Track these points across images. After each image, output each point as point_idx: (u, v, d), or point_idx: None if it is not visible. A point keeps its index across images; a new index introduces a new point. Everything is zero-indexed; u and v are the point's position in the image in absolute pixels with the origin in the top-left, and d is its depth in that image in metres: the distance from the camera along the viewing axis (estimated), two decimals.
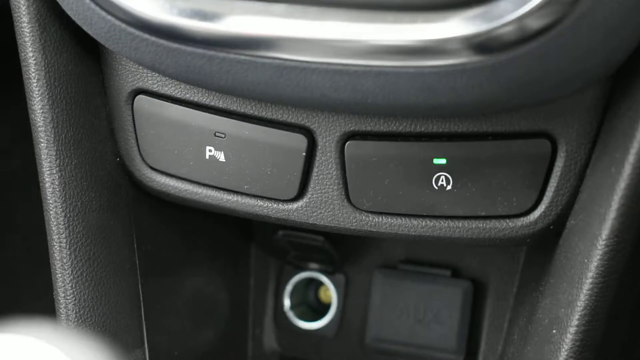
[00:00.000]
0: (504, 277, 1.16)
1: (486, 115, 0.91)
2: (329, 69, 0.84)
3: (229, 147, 0.97)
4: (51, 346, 0.65)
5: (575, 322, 0.88)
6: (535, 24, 0.78)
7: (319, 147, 0.95)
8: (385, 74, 0.82)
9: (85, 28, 0.93)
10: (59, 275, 0.99)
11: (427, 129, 0.93)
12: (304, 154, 0.96)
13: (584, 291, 0.88)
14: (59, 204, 0.98)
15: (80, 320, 0.99)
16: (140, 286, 1.06)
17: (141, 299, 1.06)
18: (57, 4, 0.94)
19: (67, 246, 0.98)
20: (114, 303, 1.02)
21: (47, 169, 0.98)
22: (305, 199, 0.98)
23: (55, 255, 0.99)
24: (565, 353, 0.89)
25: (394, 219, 0.97)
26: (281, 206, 0.99)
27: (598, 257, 0.87)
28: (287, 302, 1.26)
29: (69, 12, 0.93)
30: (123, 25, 0.88)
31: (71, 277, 0.99)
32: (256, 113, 0.96)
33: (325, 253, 1.18)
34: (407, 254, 1.21)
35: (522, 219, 0.94)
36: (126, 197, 1.05)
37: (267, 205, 0.99)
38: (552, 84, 0.83)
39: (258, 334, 1.27)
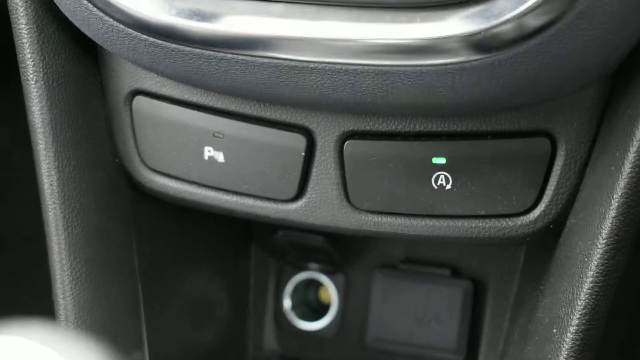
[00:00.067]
0: (504, 277, 1.16)
1: (485, 114, 0.91)
2: (328, 68, 0.83)
3: (227, 147, 0.97)
4: (47, 348, 0.64)
5: (575, 321, 0.88)
6: (534, 22, 0.78)
7: (318, 147, 0.95)
8: (384, 73, 0.82)
9: (83, 29, 0.93)
10: (58, 276, 0.99)
11: (426, 128, 0.93)
12: (303, 153, 0.95)
13: (584, 290, 0.87)
14: (58, 205, 0.98)
15: (79, 322, 0.99)
16: (139, 287, 1.06)
17: (141, 300, 1.06)
18: (55, 5, 0.94)
19: (66, 247, 0.98)
20: (113, 304, 1.02)
21: (46, 170, 0.97)
22: (304, 199, 0.98)
23: (54, 256, 0.99)
24: (566, 352, 0.89)
25: (394, 219, 0.97)
26: (280, 206, 0.99)
27: (598, 256, 0.86)
28: (287, 303, 1.26)
29: (67, 14, 0.93)
30: (121, 26, 0.88)
31: (70, 278, 0.99)
32: (255, 113, 0.96)
33: (325, 253, 1.18)
34: (407, 254, 1.21)
35: (521, 218, 0.94)
36: (125, 198, 1.04)
37: (267, 206, 0.99)
38: (551, 82, 0.83)
39: (258, 335, 1.27)
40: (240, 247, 1.25)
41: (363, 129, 0.94)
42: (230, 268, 1.23)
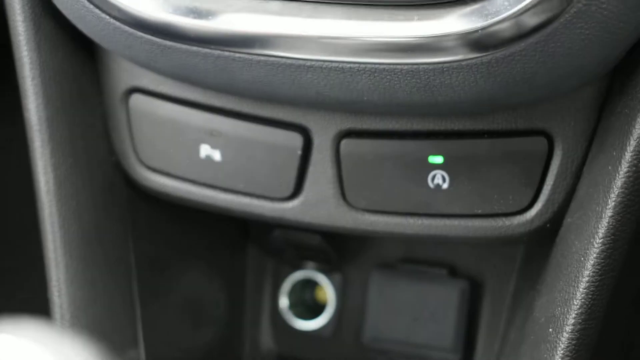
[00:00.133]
0: (501, 276, 1.16)
1: (482, 113, 0.91)
2: (324, 66, 0.83)
3: (224, 145, 0.97)
4: (39, 346, 0.64)
5: (571, 321, 0.88)
6: (531, 20, 0.78)
7: (315, 146, 0.95)
8: (381, 71, 0.82)
9: (79, 26, 0.93)
10: (54, 274, 0.99)
11: (423, 127, 0.93)
12: (299, 152, 0.95)
13: (581, 289, 0.87)
14: (54, 203, 0.98)
15: (74, 320, 0.99)
16: (135, 286, 1.06)
17: (136, 299, 1.06)
18: (52, 2, 0.94)
19: (62, 246, 0.98)
20: (108, 303, 1.02)
21: (42, 167, 0.97)
22: (300, 198, 0.98)
23: (50, 254, 0.99)
24: (562, 352, 0.89)
25: (390, 218, 0.96)
26: (277, 205, 0.99)
27: (595, 255, 0.86)
28: (284, 302, 1.25)
29: (63, 11, 0.93)
30: (117, 24, 0.88)
31: (66, 276, 0.99)
32: (251, 111, 0.96)
33: (322, 252, 1.18)
34: (404, 253, 1.21)
35: (518, 217, 0.94)
36: (121, 196, 1.04)
37: (263, 204, 0.99)
38: (548, 81, 0.83)
39: (255, 334, 1.27)
40: (236, 246, 1.25)
41: (360, 127, 0.94)
42: (226, 267, 1.23)
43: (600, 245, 0.86)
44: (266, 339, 1.27)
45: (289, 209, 0.98)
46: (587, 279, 0.87)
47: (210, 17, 0.85)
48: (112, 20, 0.88)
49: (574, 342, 0.89)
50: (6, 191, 1.41)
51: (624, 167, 0.85)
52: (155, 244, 1.10)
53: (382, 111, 0.92)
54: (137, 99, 0.99)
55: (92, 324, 1.01)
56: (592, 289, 0.87)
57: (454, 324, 1.17)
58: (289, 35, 0.83)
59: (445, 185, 0.93)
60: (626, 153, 0.85)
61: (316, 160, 0.96)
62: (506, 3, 0.78)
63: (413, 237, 0.97)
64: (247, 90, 0.90)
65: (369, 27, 0.81)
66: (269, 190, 0.98)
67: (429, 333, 1.19)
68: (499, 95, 0.84)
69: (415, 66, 0.81)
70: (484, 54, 0.80)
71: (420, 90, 0.83)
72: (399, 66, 0.82)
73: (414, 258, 1.20)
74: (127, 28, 0.88)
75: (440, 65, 0.81)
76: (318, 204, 0.97)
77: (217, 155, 0.97)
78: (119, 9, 0.87)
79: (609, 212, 0.85)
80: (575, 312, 0.88)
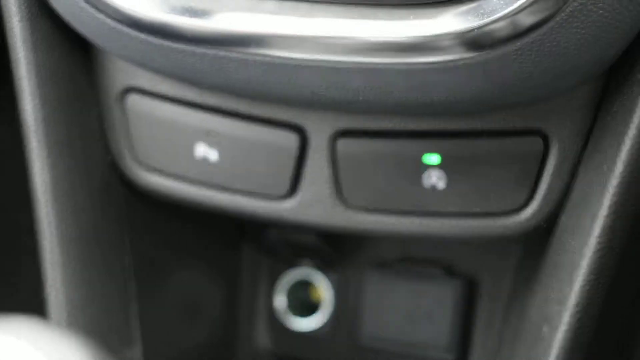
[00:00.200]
0: (497, 276, 1.16)
1: (478, 112, 0.91)
2: (320, 66, 0.83)
3: (220, 145, 0.97)
4: (33, 346, 0.64)
5: (566, 320, 0.88)
6: (526, 20, 0.78)
7: (311, 145, 0.95)
8: (377, 71, 0.82)
9: (75, 26, 0.93)
10: (50, 274, 0.99)
11: (420, 126, 0.93)
12: (295, 152, 0.95)
13: (575, 289, 0.87)
14: (50, 203, 0.98)
15: (71, 320, 0.99)
16: (132, 285, 1.06)
17: (133, 299, 1.06)
18: (48, 3, 0.94)
19: (59, 245, 0.98)
20: (105, 302, 1.02)
21: (38, 168, 0.97)
22: (297, 198, 0.98)
23: (46, 254, 0.98)
24: (556, 351, 0.89)
25: (387, 217, 0.97)
26: (273, 204, 0.99)
27: (589, 254, 0.86)
28: (280, 301, 1.25)
29: (59, 11, 0.93)
30: (113, 23, 0.88)
31: (62, 276, 0.99)
32: (248, 111, 0.96)
33: (319, 251, 1.18)
34: (401, 253, 1.21)
35: (514, 216, 0.94)
36: (118, 196, 1.04)
37: (259, 204, 0.99)
38: (544, 80, 0.83)
39: (250, 333, 1.26)
40: (233, 245, 1.25)
41: (356, 127, 0.94)
42: (223, 266, 1.23)
43: (595, 244, 0.86)
44: (262, 338, 1.27)
45: (286, 209, 0.99)
46: (582, 278, 0.87)
47: (206, 17, 0.85)
48: (108, 20, 0.88)
49: (568, 341, 0.89)
50: (3, 191, 1.41)
51: (619, 167, 0.85)
52: (151, 243, 1.10)
53: (379, 111, 0.92)
54: (133, 99, 0.99)
55: (88, 323, 1.00)
56: (587, 288, 0.87)
57: (450, 323, 1.17)
58: (285, 35, 0.83)
59: (441, 185, 0.93)
60: (622, 153, 0.85)
61: (312, 159, 0.96)
62: (502, 2, 0.78)
63: (409, 236, 0.97)
64: (244, 89, 0.90)
65: (364, 26, 0.81)
66: (265, 190, 0.98)
67: (425, 332, 1.19)
68: (494, 94, 0.84)
69: (411, 66, 0.81)
70: (480, 53, 0.80)
71: (416, 89, 0.83)
72: (394, 66, 0.82)
73: (410, 257, 1.20)
74: (123, 28, 0.88)
75: (436, 65, 0.81)
76: (314, 204, 0.97)
77: (213, 155, 0.97)
78: (114, 9, 0.87)
79: (604, 212, 0.86)
80: (570, 311, 0.88)
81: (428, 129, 0.92)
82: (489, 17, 0.79)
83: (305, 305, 1.27)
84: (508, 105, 0.89)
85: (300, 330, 1.25)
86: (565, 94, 0.89)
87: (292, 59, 0.84)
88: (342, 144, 0.94)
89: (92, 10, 0.89)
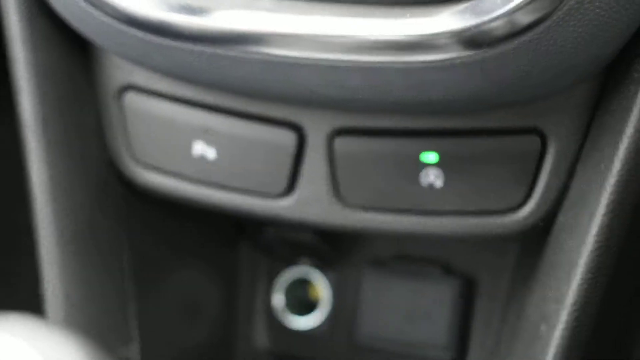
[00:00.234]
0: (495, 274, 1.16)
1: (476, 111, 0.91)
2: (317, 64, 0.83)
3: (218, 143, 0.97)
4: (27, 345, 0.64)
5: (564, 319, 0.88)
6: (524, 18, 0.78)
7: (308, 143, 0.95)
8: (374, 69, 0.82)
9: (73, 25, 0.93)
10: (47, 272, 0.99)
11: (417, 125, 0.93)
12: (293, 150, 0.95)
13: (573, 288, 0.87)
14: (48, 201, 0.98)
15: (68, 319, 0.99)
16: (129, 284, 1.06)
17: (131, 297, 1.06)
18: (46, 1, 0.94)
19: (56, 244, 0.98)
20: (103, 301, 1.02)
21: (36, 166, 0.97)
22: (294, 196, 0.98)
23: (44, 252, 0.98)
24: (554, 350, 0.89)
25: (384, 215, 0.96)
26: (270, 203, 0.99)
27: (587, 253, 0.86)
28: (277, 299, 1.25)
29: (58, 9, 0.93)
30: (111, 21, 0.88)
31: (60, 275, 0.99)
32: (245, 109, 0.96)
33: (316, 250, 1.18)
34: (398, 251, 1.21)
35: (511, 215, 0.94)
36: (115, 195, 1.04)
37: (256, 202, 0.99)
38: (542, 79, 0.83)
39: (248, 331, 1.26)
40: (230, 243, 1.24)
41: (354, 125, 0.94)
42: (220, 264, 1.23)
43: (592, 243, 0.86)
44: (260, 337, 1.27)
45: (283, 207, 0.98)
46: (579, 277, 0.87)
47: (203, 15, 0.85)
48: (105, 18, 0.88)
49: (566, 340, 0.89)
50: (1, 190, 1.41)
51: (616, 166, 0.85)
52: (149, 242, 1.10)
53: (376, 109, 0.92)
54: (131, 97, 0.99)
55: (86, 322, 1.00)
56: (584, 287, 0.87)
57: (448, 321, 1.17)
58: (282, 33, 0.83)
59: (438, 183, 0.93)
60: (619, 151, 0.85)
61: (310, 157, 0.96)
62: (499, 1, 0.78)
63: (407, 234, 0.97)
64: (241, 87, 0.90)
65: (361, 25, 0.81)
66: (263, 188, 0.98)
67: (423, 331, 1.18)
68: (492, 93, 0.84)
69: (408, 64, 0.81)
70: (477, 52, 0.80)
71: (413, 88, 0.83)
72: (392, 64, 0.81)
73: (408, 256, 1.20)
74: (120, 26, 0.88)
75: (433, 64, 0.81)
76: (312, 202, 0.97)
77: (211, 153, 0.97)
78: (112, 7, 0.87)
79: (601, 211, 0.85)
80: (568, 310, 0.88)
81: (426, 128, 0.92)
82: (486, 15, 0.79)
83: (303, 303, 1.27)
84: (505, 103, 0.89)
85: (298, 329, 1.25)
86: (563, 92, 0.89)
87: (289, 57, 0.84)
88: (340, 143, 0.94)
89: (90, 9, 0.89)
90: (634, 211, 0.87)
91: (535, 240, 0.99)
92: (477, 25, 0.79)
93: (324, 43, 0.83)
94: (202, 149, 0.97)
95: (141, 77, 0.98)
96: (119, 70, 0.98)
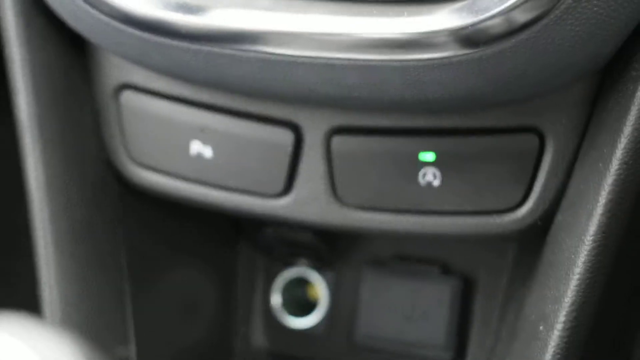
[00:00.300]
0: (494, 274, 1.16)
1: (473, 110, 0.91)
2: (314, 62, 0.83)
3: (215, 142, 0.97)
4: (23, 344, 0.64)
5: (562, 319, 0.88)
6: (521, 17, 0.78)
7: (306, 143, 0.95)
8: (371, 67, 0.82)
9: (70, 23, 0.93)
10: (44, 271, 0.98)
11: (415, 124, 0.92)
12: (290, 149, 0.95)
13: (571, 287, 0.87)
14: (44, 199, 0.97)
15: (65, 317, 0.99)
16: (126, 283, 1.05)
17: (127, 296, 1.05)
18: None
19: (52, 242, 0.98)
20: (99, 300, 1.01)
21: (32, 164, 0.97)
22: (291, 195, 0.97)
23: (40, 251, 0.98)
24: (552, 349, 0.88)
25: (382, 215, 0.96)
26: (268, 202, 0.98)
27: (585, 252, 0.86)
28: (275, 299, 1.25)
29: (54, 7, 0.93)
30: (107, 20, 0.88)
31: (56, 273, 0.98)
32: (242, 108, 0.96)
33: (314, 249, 1.18)
34: (397, 251, 1.20)
35: (509, 214, 0.94)
36: (112, 193, 1.04)
37: (254, 202, 0.99)
38: (540, 78, 0.83)
39: (246, 331, 1.26)
40: (228, 243, 1.24)
41: (351, 124, 0.94)
42: (218, 264, 1.23)
43: (590, 242, 0.86)
44: (258, 337, 1.26)
45: (280, 206, 0.98)
46: (577, 276, 0.87)
47: (200, 13, 0.85)
48: (102, 17, 0.88)
49: (564, 340, 0.88)
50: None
51: (614, 165, 0.84)
52: (146, 240, 1.10)
53: (373, 108, 0.92)
54: (127, 96, 0.99)
55: (82, 321, 1.00)
56: (582, 286, 0.87)
57: (446, 321, 1.17)
58: (279, 32, 0.83)
59: (436, 183, 0.93)
60: (617, 150, 0.84)
61: (307, 157, 0.95)
62: None
63: (404, 234, 0.97)
64: (238, 86, 0.90)
65: (358, 23, 0.81)
66: (260, 187, 0.98)
67: (422, 330, 1.18)
68: (489, 91, 0.84)
69: (405, 62, 0.81)
70: (475, 50, 0.80)
71: (411, 86, 0.83)
72: (388, 62, 0.81)
73: (406, 255, 1.20)
74: (117, 24, 0.88)
75: (430, 62, 0.81)
76: (309, 201, 0.97)
77: (208, 152, 0.97)
78: (109, 5, 0.87)
79: (599, 210, 0.85)
80: (566, 310, 0.88)
81: (423, 127, 0.92)
82: (484, 14, 0.79)
83: (301, 303, 1.26)
84: (503, 102, 0.89)
85: (296, 329, 1.25)
86: (561, 91, 0.89)
87: (286, 55, 0.84)
88: (337, 141, 0.94)
89: (86, 7, 0.88)
90: (632, 210, 0.86)
91: (533, 240, 0.99)
92: (474, 24, 0.79)
93: (321, 41, 0.83)
94: (199, 148, 0.97)
95: (138, 75, 0.98)
96: (116, 69, 0.98)
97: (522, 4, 0.77)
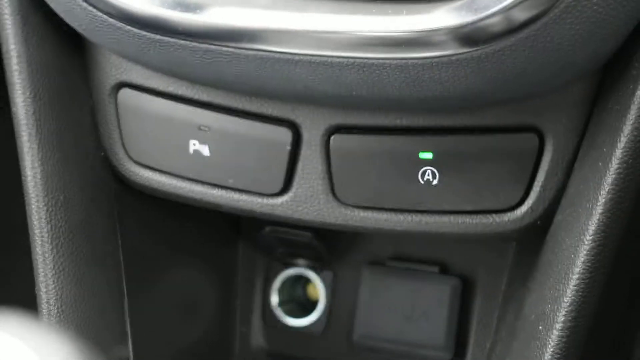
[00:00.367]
0: (493, 274, 1.16)
1: (473, 109, 0.91)
2: (313, 61, 0.83)
3: (213, 141, 0.97)
4: (21, 343, 0.64)
5: (561, 318, 0.87)
6: (521, 15, 0.78)
7: (304, 141, 0.95)
8: (369, 66, 0.82)
9: (67, 20, 0.93)
10: (41, 270, 0.98)
11: (414, 122, 0.92)
12: (288, 147, 0.95)
13: (570, 287, 0.87)
14: (41, 197, 0.97)
15: (62, 316, 0.99)
16: (124, 282, 1.05)
17: (125, 295, 1.05)
18: None
19: (49, 241, 0.98)
20: (96, 299, 1.01)
21: (29, 162, 0.97)
22: (290, 194, 0.97)
23: (37, 250, 0.98)
24: (552, 349, 0.88)
25: (380, 214, 0.96)
26: (266, 201, 0.98)
27: (585, 252, 0.86)
28: (274, 299, 1.25)
29: (51, 4, 0.93)
30: (105, 17, 0.88)
31: (53, 272, 0.98)
32: (241, 106, 0.95)
33: (313, 249, 1.18)
34: (396, 251, 1.20)
35: (509, 214, 0.93)
36: (109, 191, 1.04)
37: (252, 200, 0.99)
38: (539, 76, 0.83)
39: (245, 331, 1.26)
40: (227, 242, 1.24)
41: (350, 123, 0.93)
42: (217, 263, 1.22)
43: (590, 242, 0.86)
44: (257, 337, 1.26)
45: (279, 205, 0.98)
46: (577, 276, 0.87)
47: (198, 11, 0.84)
48: (100, 14, 0.88)
49: (564, 339, 0.88)
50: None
51: (614, 164, 0.84)
52: (144, 239, 1.10)
53: (372, 106, 0.91)
54: (125, 94, 0.98)
55: (80, 320, 1.00)
56: (582, 286, 0.87)
57: (446, 321, 1.17)
58: (277, 30, 0.83)
59: (435, 182, 0.93)
60: (617, 149, 0.84)
61: (306, 155, 0.95)
62: None
63: (403, 233, 0.97)
64: (236, 84, 0.89)
65: (357, 21, 0.81)
66: (258, 186, 0.97)
67: (421, 331, 1.18)
68: (489, 90, 0.83)
69: (404, 61, 0.81)
70: (474, 48, 0.79)
71: (410, 85, 0.83)
72: (387, 61, 0.81)
73: (406, 255, 1.20)
74: (115, 22, 0.87)
75: (429, 60, 0.80)
76: (307, 200, 0.97)
77: (205, 151, 0.97)
78: (106, 3, 0.87)
79: (599, 209, 0.85)
80: (565, 309, 0.87)
81: (422, 125, 0.92)
82: (483, 12, 0.78)
83: (300, 303, 1.26)
84: (502, 101, 0.89)
85: (295, 329, 1.25)
86: (560, 90, 0.88)
87: (285, 53, 0.83)
88: (336, 140, 0.94)
89: (84, 4, 0.88)
90: (631, 210, 0.86)
91: (533, 240, 0.98)
92: (474, 22, 0.78)
93: (320, 39, 0.82)
94: (197, 146, 0.97)
95: (136, 74, 0.97)
96: (114, 67, 0.98)
97: (521, 2, 0.77)
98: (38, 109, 0.96)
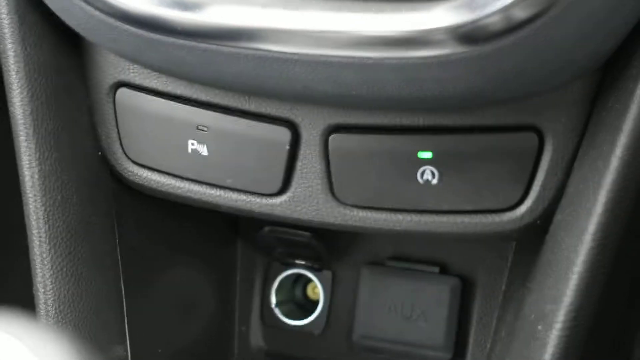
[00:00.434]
0: (493, 274, 1.16)
1: (472, 108, 0.91)
2: (311, 60, 0.83)
3: (211, 140, 0.96)
4: (19, 343, 0.64)
5: (561, 318, 0.87)
6: (521, 13, 0.77)
7: (303, 141, 0.94)
8: (369, 65, 0.81)
9: (65, 19, 0.93)
10: (39, 270, 0.98)
11: (413, 122, 0.92)
12: (287, 147, 0.95)
13: (570, 287, 0.86)
14: (39, 197, 0.97)
15: (60, 316, 0.98)
16: (122, 281, 1.05)
17: (123, 295, 1.05)
18: None
19: (47, 241, 0.97)
20: (95, 299, 1.01)
21: (27, 162, 0.97)
22: (289, 193, 0.97)
23: (35, 249, 0.98)
24: (551, 349, 0.88)
25: (379, 214, 0.96)
26: (265, 200, 0.98)
27: (584, 252, 0.86)
28: (273, 299, 1.25)
29: (49, 3, 0.92)
30: (102, 16, 0.87)
31: (51, 272, 0.98)
32: (239, 106, 0.95)
33: (312, 249, 1.18)
34: (395, 251, 1.20)
35: (508, 213, 0.93)
36: (107, 191, 1.04)
37: (251, 200, 0.98)
38: (539, 75, 0.82)
39: (244, 331, 1.26)
40: (226, 242, 1.24)
41: (349, 122, 0.93)
42: (216, 263, 1.22)
43: (590, 242, 0.85)
44: (256, 337, 1.26)
45: (277, 205, 0.98)
46: (577, 275, 0.86)
47: (196, 10, 0.84)
48: (97, 13, 0.87)
49: (563, 339, 0.88)
50: None
51: (614, 163, 0.84)
52: (142, 239, 1.09)
53: (371, 106, 0.91)
54: (123, 93, 0.98)
55: (78, 320, 1.00)
56: (581, 286, 0.86)
57: (445, 321, 1.17)
58: (276, 29, 0.82)
59: (434, 181, 0.92)
60: (617, 149, 0.84)
61: (304, 155, 0.95)
62: None
63: (402, 233, 0.97)
64: (234, 84, 0.89)
65: (356, 20, 0.80)
66: (257, 186, 0.97)
67: (420, 331, 1.18)
68: (488, 89, 0.83)
69: (403, 60, 0.80)
70: (473, 47, 0.79)
71: (409, 84, 0.82)
72: (387, 60, 0.81)
73: (405, 255, 1.19)
74: (112, 21, 0.87)
75: (428, 60, 0.80)
76: (306, 200, 0.97)
77: (204, 150, 0.97)
78: (104, 2, 0.86)
79: (599, 209, 0.85)
80: (565, 309, 0.87)
81: (421, 125, 0.92)
82: (482, 11, 0.78)
83: (299, 303, 1.26)
84: (502, 100, 0.89)
85: (294, 329, 1.25)
86: (560, 89, 0.88)
87: (283, 53, 0.83)
88: (335, 140, 0.93)
89: (82, 4, 0.88)
90: (631, 209, 0.86)
91: (532, 240, 0.98)
92: (473, 21, 0.78)
93: (318, 38, 0.82)
94: (195, 146, 0.97)
95: (134, 73, 0.97)
96: (112, 67, 0.98)
97: (521, 1, 0.77)
98: (35, 108, 0.96)
